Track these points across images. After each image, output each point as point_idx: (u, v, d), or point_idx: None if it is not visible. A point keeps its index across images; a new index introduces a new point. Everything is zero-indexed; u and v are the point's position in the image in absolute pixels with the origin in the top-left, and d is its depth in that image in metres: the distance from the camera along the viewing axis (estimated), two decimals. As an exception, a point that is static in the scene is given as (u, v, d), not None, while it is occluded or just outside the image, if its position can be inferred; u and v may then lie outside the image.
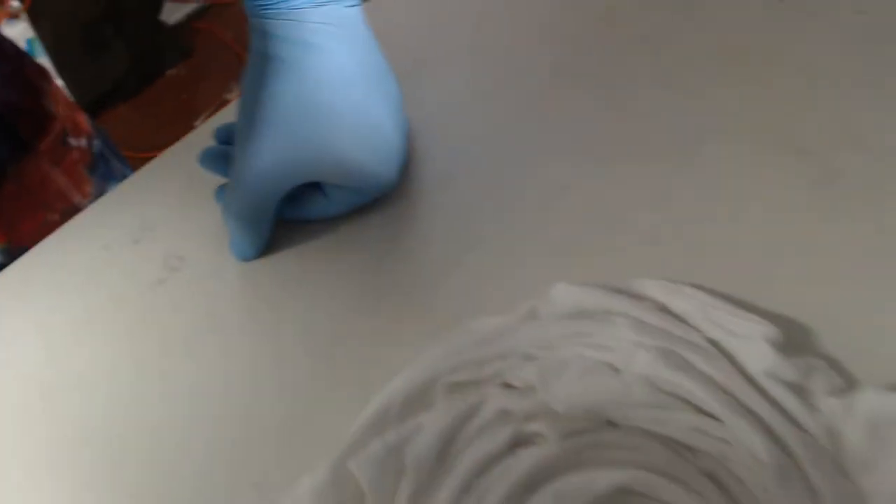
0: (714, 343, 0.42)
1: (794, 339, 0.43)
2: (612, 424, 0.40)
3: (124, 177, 0.77)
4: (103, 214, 0.63)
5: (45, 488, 0.44)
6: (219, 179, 0.58)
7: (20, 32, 2.71)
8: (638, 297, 0.45)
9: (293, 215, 0.56)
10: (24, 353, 0.53)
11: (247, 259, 0.55)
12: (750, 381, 0.39)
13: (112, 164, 0.93)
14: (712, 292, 0.44)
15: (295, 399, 0.47)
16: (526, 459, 0.38)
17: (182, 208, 0.60)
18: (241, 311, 0.53)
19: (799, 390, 0.39)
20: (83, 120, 0.94)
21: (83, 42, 3.39)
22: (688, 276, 0.46)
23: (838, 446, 0.37)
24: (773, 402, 0.38)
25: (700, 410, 0.38)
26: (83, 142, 0.89)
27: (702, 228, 0.51)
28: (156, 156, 0.66)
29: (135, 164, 0.90)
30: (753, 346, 0.40)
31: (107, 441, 0.46)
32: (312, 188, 0.55)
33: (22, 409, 0.49)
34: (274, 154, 0.49)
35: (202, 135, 0.65)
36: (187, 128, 0.77)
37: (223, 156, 0.57)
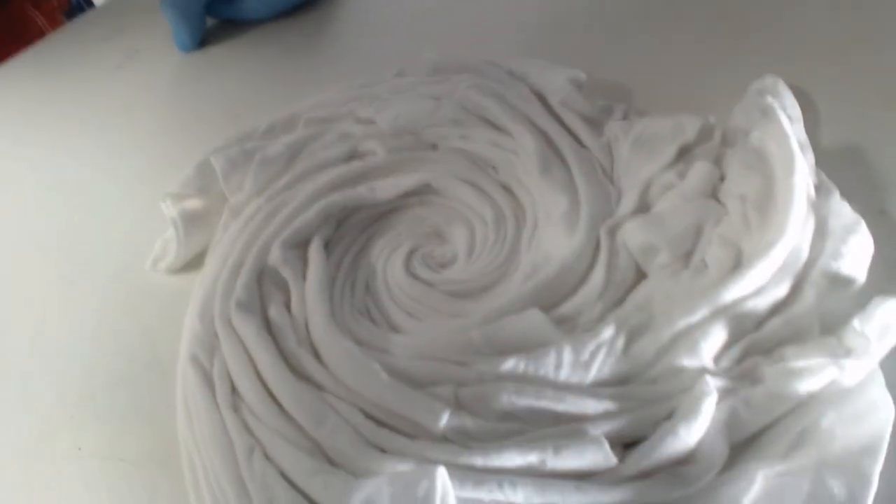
0: (535, 92, 0.46)
1: (612, 96, 0.47)
2: (433, 147, 0.46)
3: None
4: (87, 25, 0.72)
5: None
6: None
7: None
8: (491, 63, 0.50)
9: (229, 14, 0.63)
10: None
11: (186, 49, 0.63)
12: (548, 109, 0.44)
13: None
14: (555, 61, 0.49)
15: (210, 136, 0.54)
16: (355, 165, 0.45)
17: (148, 13, 0.68)
18: (178, 88, 0.61)
19: (590, 120, 0.43)
20: None
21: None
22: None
23: (610, 158, 0.41)
24: (560, 122, 0.43)
25: (498, 128, 0.43)
26: None
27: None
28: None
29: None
30: (556, 84, 0.44)
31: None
32: (244, -11, 0.62)
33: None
34: None
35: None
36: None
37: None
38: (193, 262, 0.45)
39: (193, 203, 0.45)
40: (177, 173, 0.48)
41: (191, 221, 0.44)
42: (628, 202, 0.37)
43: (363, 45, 0.59)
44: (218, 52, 0.63)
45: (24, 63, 0.70)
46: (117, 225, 0.49)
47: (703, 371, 0.29)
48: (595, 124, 0.43)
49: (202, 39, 0.63)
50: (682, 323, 0.30)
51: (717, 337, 0.30)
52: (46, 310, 0.44)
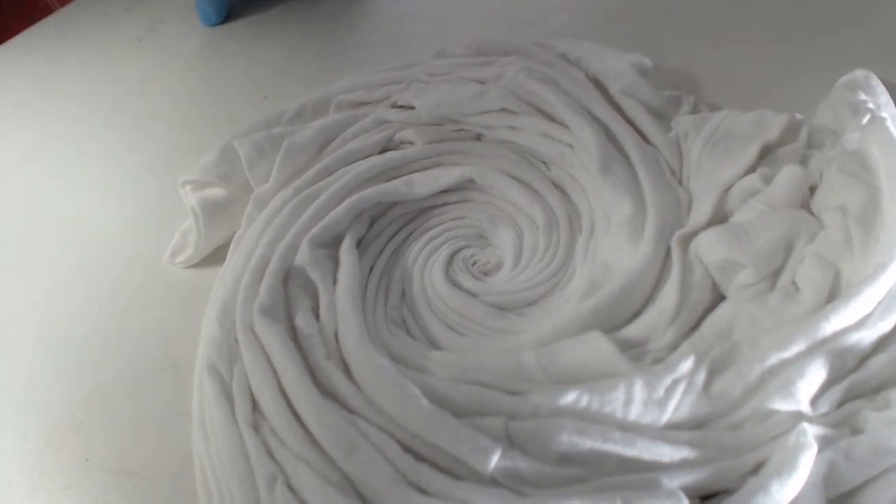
0: (591, 78, 0.41)
1: (678, 86, 0.42)
2: (477, 138, 0.41)
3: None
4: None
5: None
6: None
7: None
8: (541, 45, 0.45)
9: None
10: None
11: (211, 23, 0.59)
12: (608, 98, 0.39)
13: None
14: (611, 46, 0.44)
15: (234, 117, 0.50)
16: (390, 156, 0.40)
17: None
18: (201, 64, 0.57)
19: (656, 112, 0.38)
20: None
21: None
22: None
23: (679, 157, 0.37)
24: (622, 114, 0.38)
25: (551, 118, 0.38)
26: None
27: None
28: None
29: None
30: (618, 69, 0.39)
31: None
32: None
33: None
34: None
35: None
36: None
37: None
38: (214, 256, 0.41)
39: (215, 191, 0.41)
40: (197, 156, 0.45)
41: (212, 211, 0.40)
42: (703, 209, 0.32)
43: (401, 22, 0.55)
44: (244, 27, 0.59)
45: (43, 31, 0.66)
46: (132, 209, 0.46)
47: (798, 416, 0.25)
48: (661, 117, 0.38)
49: (228, 12, 0.59)
50: (774, 357, 0.26)
51: (815, 376, 0.25)
52: (54, 302, 0.41)
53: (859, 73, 0.37)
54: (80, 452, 0.34)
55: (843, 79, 0.38)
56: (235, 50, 0.57)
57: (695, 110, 0.39)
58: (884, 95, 0.36)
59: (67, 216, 0.46)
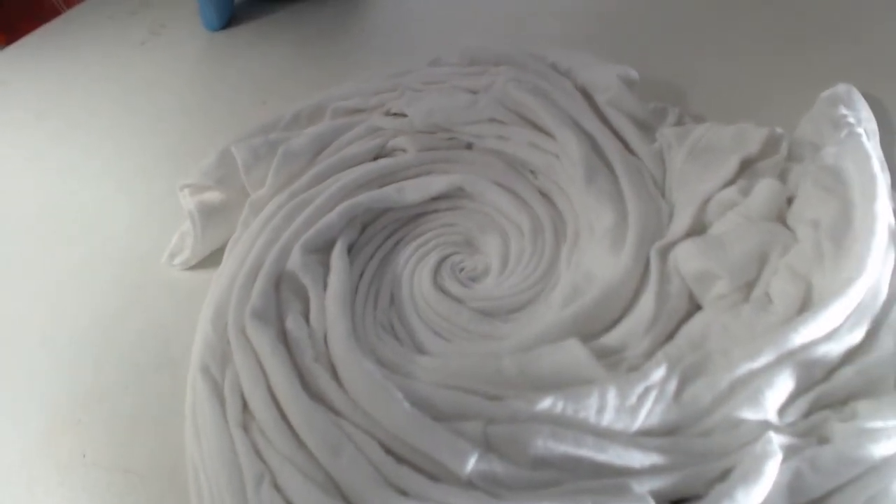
0: (580, 89, 0.42)
1: (665, 97, 0.43)
2: (468, 147, 0.42)
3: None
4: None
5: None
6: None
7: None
8: (533, 55, 0.46)
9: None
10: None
11: (213, 28, 0.60)
12: (594, 109, 0.40)
13: None
14: (600, 56, 0.45)
15: (234, 121, 0.51)
16: (383, 163, 0.41)
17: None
18: (202, 68, 0.58)
19: (641, 124, 0.39)
20: None
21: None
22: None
23: (662, 168, 0.37)
24: (607, 125, 0.39)
25: (539, 128, 0.39)
26: None
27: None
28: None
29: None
30: (605, 81, 0.40)
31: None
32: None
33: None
34: None
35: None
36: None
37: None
38: (212, 258, 0.42)
39: (212, 195, 0.42)
40: (197, 158, 0.46)
41: (209, 215, 0.41)
42: (682, 220, 0.33)
43: (398, 29, 0.56)
44: (246, 32, 0.60)
45: (51, 34, 0.67)
46: (135, 211, 0.47)
47: (765, 425, 0.26)
48: (646, 128, 0.39)
49: (230, 17, 0.60)
50: (744, 368, 0.26)
51: (782, 386, 0.26)
52: (57, 300, 0.42)
53: (841, 88, 0.38)
54: (77, 448, 0.35)
55: (826, 93, 0.38)
56: (237, 54, 0.58)
57: (680, 122, 0.40)
58: (865, 110, 0.37)
59: (70, 216, 0.47)
